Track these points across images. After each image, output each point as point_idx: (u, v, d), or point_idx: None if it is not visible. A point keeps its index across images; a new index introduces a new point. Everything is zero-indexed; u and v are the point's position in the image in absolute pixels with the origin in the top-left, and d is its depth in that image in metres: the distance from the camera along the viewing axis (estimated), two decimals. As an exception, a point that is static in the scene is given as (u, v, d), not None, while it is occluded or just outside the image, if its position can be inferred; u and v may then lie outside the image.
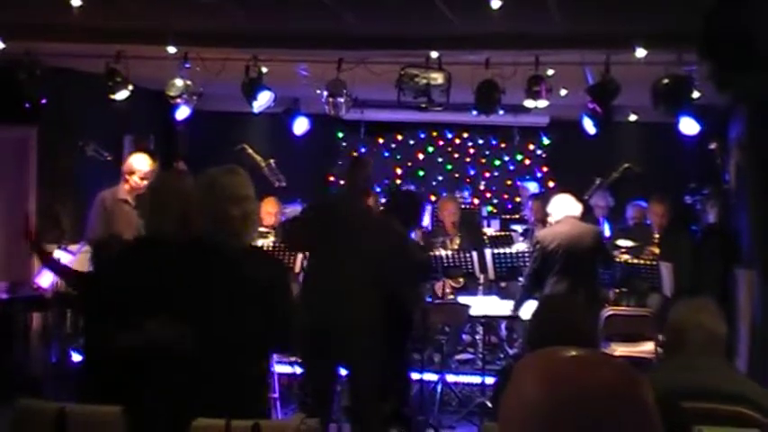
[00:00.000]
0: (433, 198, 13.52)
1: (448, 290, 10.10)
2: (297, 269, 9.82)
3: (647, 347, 8.63)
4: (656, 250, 10.19)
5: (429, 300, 9.00)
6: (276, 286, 4.68)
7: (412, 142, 15.13)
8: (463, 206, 12.27)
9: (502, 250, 9.90)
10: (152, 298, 4.63)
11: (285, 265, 5.61)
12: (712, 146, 11.61)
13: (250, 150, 11.63)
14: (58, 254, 9.29)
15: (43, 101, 10.21)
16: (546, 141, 14.83)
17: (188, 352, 4.48)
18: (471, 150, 15.08)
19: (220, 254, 4.66)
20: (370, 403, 7.10)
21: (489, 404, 7.59)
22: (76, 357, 9.15)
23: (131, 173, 8.81)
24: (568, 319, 4.20)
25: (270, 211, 10.93)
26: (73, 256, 9.83)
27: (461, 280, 10.06)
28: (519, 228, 11.88)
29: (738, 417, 4.17)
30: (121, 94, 9.77)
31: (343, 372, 7.29)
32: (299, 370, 9.52)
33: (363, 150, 15.13)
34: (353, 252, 6.96)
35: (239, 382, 4.59)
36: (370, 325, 6.86)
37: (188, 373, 4.52)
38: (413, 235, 8.38)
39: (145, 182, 8.71)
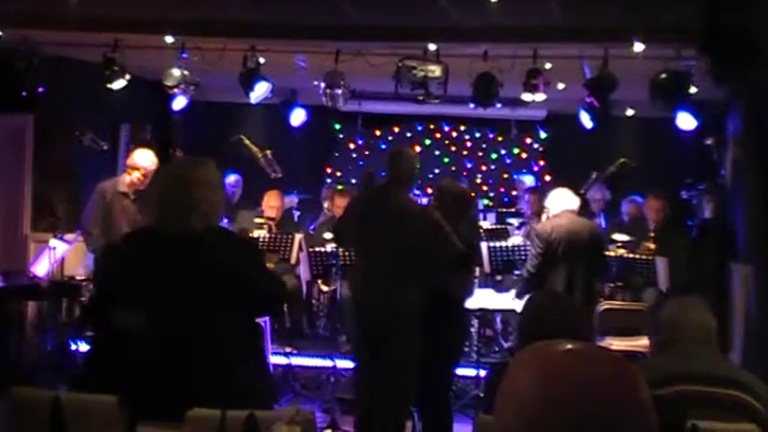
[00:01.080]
0: (429, 191, 13.52)
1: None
2: (293, 260, 9.85)
3: (643, 342, 8.63)
4: (652, 245, 10.20)
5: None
6: (243, 262, 4.71)
7: (409, 134, 15.11)
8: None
9: (498, 243, 9.90)
10: (125, 290, 4.79)
11: (251, 242, 5.65)
12: (709, 141, 11.62)
13: (247, 141, 11.63)
14: (54, 242, 9.31)
15: (40, 89, 10.20)
16: (543, 135, 14.83)
17: (155, 339, 4.57)
18: (468, 143, 15.08)
19: (175, 239, 4.71)
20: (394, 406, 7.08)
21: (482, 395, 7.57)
22: (72, 346, 9.17)
23: (134, 168, 8.85)
24: (559, 314, 4.22)
25: (273, 204, 10.94)
26: (68, 245, 9.86)
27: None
28: (515, 221, 11.90)
29: (733, 400, 4.19)
30: (118, 84, 9.78)
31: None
32: (294, 360, 9.56)
33: (361, 142, 15.14)
34: (394, 245, 6.95)
35: (223, 366, 4.63)
36: (410, 321, 6.80)
37: (165, 362, 4.58)
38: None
39: (147, 179, 8.76)
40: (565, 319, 4.14)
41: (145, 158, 8.93)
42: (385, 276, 6.90)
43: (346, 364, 8.98)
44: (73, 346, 9.18)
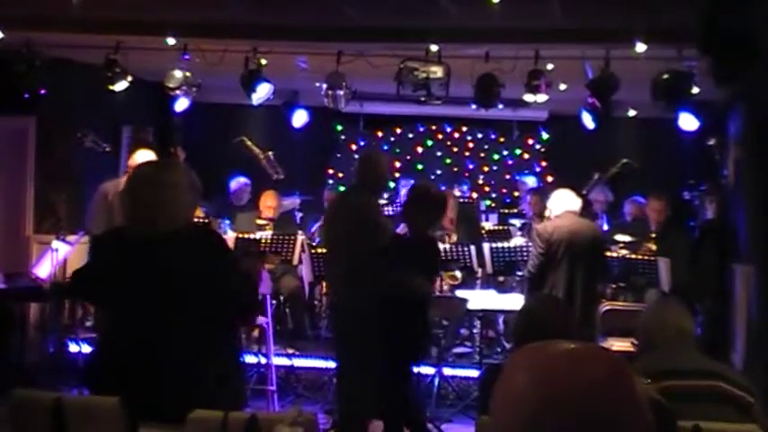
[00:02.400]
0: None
1: (446, 287, 10.08)
2: (295, 261, 9.85)
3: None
4: (653, 246, 10.20)
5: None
6: (211, 264, 4.73)
7: (411, 136, 15.14)
8: (461, 200, 12.28)
9: (500, 244, 9.90)
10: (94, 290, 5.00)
11: (221, 238, 5.67)
12: (711, 142, 11.61)
13: (249, 143, 11.63)
14: (56, 244, 9.33)
15: (42, 91, 10.22)
16: (545, 136, 14.84)
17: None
18: (470, 144, 15.10)
19: (141, 240, 4.74)
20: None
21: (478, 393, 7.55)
22: (74, 348, 9.19)
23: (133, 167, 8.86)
24: (554, 317, 4.25)
25: (270, 204, 10.94)
26: (71, 247, 9.87)
27: (458, 277, 10.02)
28: (517, 222, 11.88)
29: (716, 391, 4.35)
30: (120, 86, 9.79)
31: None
32: (296, 362, 9.56)
33: (362, 144, 15.15)
34: (341, 247, 6.99)
35: (184, 368, 4.65)
36: (358, 326, 6.82)
37: (133, 362, 4.64)
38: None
39: None
40: (559, 322, 4.17)
41: (146, 159, 8.94)
42: (335, 277, 6.95)
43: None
44: (74, 348, 9.19)
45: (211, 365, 4.85)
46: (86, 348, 9.35)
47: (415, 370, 7.56)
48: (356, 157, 14.91)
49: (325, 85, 9.81)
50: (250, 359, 8.84)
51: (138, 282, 4.68)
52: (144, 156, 8.97)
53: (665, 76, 8.73)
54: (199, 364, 4.75)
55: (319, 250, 10.10)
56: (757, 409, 4.39)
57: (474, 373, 9.22)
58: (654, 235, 10.50)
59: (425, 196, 7.40)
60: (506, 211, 13.23)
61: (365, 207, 7.09)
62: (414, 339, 7.12)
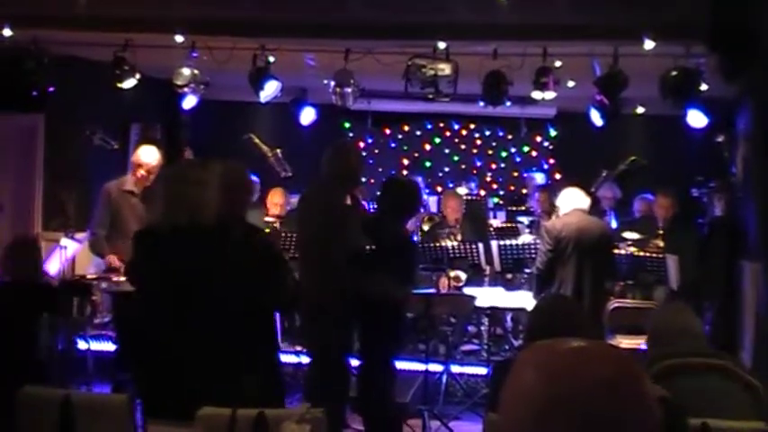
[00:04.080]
0: (439, 189, 13.54)
1: (453, 284, 10.06)
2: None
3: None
4: (661, 243, 10.19)
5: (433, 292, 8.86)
6: (250, 257, 5.04)
7: (419, 133, 15.15)
8: (469, 197, 12.28)
9: (508, 242, 9.91)
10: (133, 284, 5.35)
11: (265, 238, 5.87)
12: (720, 138, 11.60)
13: (257, 140, 11.63)
14: (65, 242, 9.34)
15: (50, 89, 10.22)
16: (553, 133, 14.84)
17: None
18: (478, 141, 15.10)
19: (170, 234, 5.03)
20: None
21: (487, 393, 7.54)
22: (83, 345, 9.20)
23: (139, 165, 8.88)
24: (566, 316, 4.26)
25: (276, 201, 10.96)
26: (79, 244, 9.89)
27: (462, 279, 9.99)
28: (525, 219, 11.89)
29: (723, 367, 4.46)
30: (129, 83, 9.81)
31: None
32: (304, 359, 9.56)
33: (371, 141, 15.16)
34: (308, 241, 6.98)
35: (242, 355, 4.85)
36: (332, 313, 6.75)
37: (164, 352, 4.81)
38: (410, 223, 8.21)
39: (152, 176, 8.78)
40: (570, 320, 4.17)
41: (149, 155, 8.95)
42: (310, 277, 6.88)
43: (356, 362, 8.99)
44: (83, 345, 9.19)
45: (245, 359, 4.96)
46: (95, 346, 9.37)
47: (397, 366, 7.50)
48: (364, 154, 15.00)
49: (333, 83, 9.81)
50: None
51: (165, 273, 4.94)
52: (147, 151, 9.01)
53: (674, 73, 8.72)
54: (228, 356, 4.84)
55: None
56: (765, 393, 4.40)
57: (482, 371, 9.23)
58: (662, 232, 10.49)
59: (396, 188, 7.36)
60: (514, 208, 13.22)
61: (335, 205, 7.02)
62: (387, 338, 7.11)
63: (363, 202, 7.61)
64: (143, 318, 5.24)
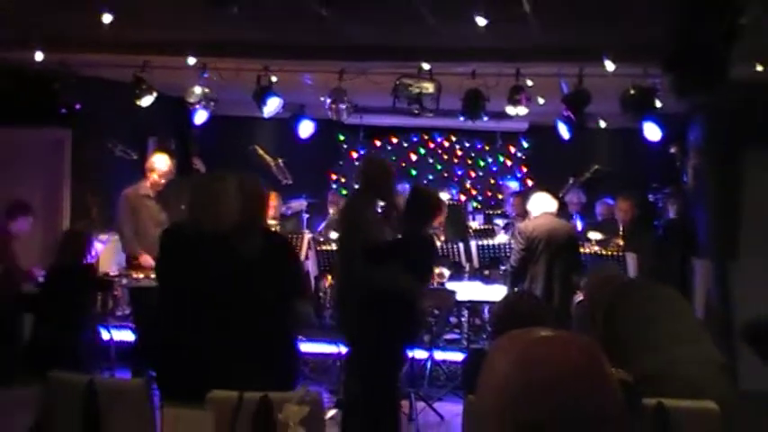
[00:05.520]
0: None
1: (437, 280, 10.05)
2: (302, 258, 9.85)
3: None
4: (621, 242, 10.21)
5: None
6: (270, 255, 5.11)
7: (405, 145, 15.14)
8: (451, 202, 12.27)
9: (485, 242, 9.92)
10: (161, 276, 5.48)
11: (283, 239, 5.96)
12: (673, 149, 11.64)
13: (261, 151, 11.63)
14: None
15: (77, 106, 10.22)
16: (525, 145, 14.85)
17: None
18: (459, 152, 15.10)
19: (201, 234, 5.18)
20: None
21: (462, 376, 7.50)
22: (105, 335, 9.17)
23: (152, 171, 8.93)
24: (527, 308, 4.25)
25: (272, 204, 10.95)
26: (102, 244, 9.88)
27: (445, 275, 9.95)
28: (501, 222, 11.89)
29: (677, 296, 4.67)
30: (146, 101, 9.80)
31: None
32: (303, 347, 9.53)
33: (362, 152, 15.15)
34: (338, 246, 6.98)
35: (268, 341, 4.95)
36: (353, 317, 6.72)
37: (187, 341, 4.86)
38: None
39: (163, 180, 8.83)
40: (532, 313, 4.17)
41: (161, 162, 9.03)
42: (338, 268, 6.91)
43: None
44: (106, 335, 9.17)
45: (259, 346, 4.98)
46: (117, 335, 9.35)
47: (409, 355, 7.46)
48: (356, 163, 15.01)
49: (328, 99, 9.81)
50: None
51: (188, 271, 5.06)
52: (159, 158, 9.07)
53: (632, 91, 8.75)
54: (243, 347, 4.86)
55: (324, 247, 10.11)
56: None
57: (462, 357, 9.22)
58: (622, 233, 10.50)
59: (420, 197, 7.34)
60: (491, 212, 13.22)
61: (350, 209, 6.98)
62: (402, 329, 7.00)
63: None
64: (165, 310, 5.30)
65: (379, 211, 6.91)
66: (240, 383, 4.13)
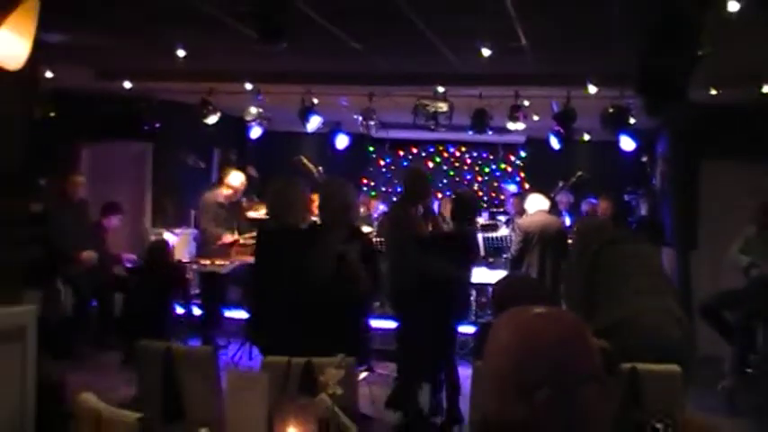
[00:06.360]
0: (439, 195, 13.51)
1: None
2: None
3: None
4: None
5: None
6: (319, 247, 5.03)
7: (423, 154, 15.11)
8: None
9: (490, 234, 9.87)
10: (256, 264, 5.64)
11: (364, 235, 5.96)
12: (644, 158, 11.60)
13: (305, 160, 11.64)
14: (167, 235, 9.40)
15: (157, 125, 10.32)
16: (523, 154, 14.78)
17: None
18: (468, 160, 15.06)
19: (274, 230, 5.45)
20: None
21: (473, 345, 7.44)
22: (179, 310, 9.21)
23: (228, 186, 9.01)
24: (522, 288, 4.23)
25: (316, 203, 10.98)
26: (177, 237, 9.96)
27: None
28: (503, 218, 11.84)
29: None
30: (212, 119, 9.85)
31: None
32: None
33: (388, 160, 15.14)
34: (389, 242, 6.90)
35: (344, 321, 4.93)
36: (402, 302, 6.59)
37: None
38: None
39: (237, 194, 9.07)
40: (526, 291, 4.16)
41: (235, 180, 9.07)
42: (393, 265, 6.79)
43: (379, 323, 8.98)
44: (180, 310, 9.22)
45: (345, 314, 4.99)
46: (196, 311, 9.36)
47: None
48: (383, 170, 15.02)
49: (360, 117, 9.83)
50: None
51: (277, 259, 5.16)
52: (235, 176, 9.11)
53: (611, 110, 8.70)
54: (325, 320, 4.86)
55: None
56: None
57: (471, 330, 9.18)
58: (603, 227, 10.44)
59: (463, 201, 7.31)
60: (494, 210, 13.18)
61: (397, 210, 6.89)
62: (453, 310, 6.82)
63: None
64: (261, 288, 5.45)
65: (420, 211, 6.84)
66: (319, 346, 4.12)
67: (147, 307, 7.65)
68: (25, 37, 3.27)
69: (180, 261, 9.14)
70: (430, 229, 6.73)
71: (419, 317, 6.44)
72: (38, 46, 3.38)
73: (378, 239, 9.72)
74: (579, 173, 11.96)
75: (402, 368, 6.85)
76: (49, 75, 8.58)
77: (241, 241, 8.82)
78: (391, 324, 7.68)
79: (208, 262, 8.78)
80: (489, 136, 10.68)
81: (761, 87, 8.07)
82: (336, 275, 4.89)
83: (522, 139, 13.71)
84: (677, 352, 4.07)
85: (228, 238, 8.85)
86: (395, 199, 8.21)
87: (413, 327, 6.53)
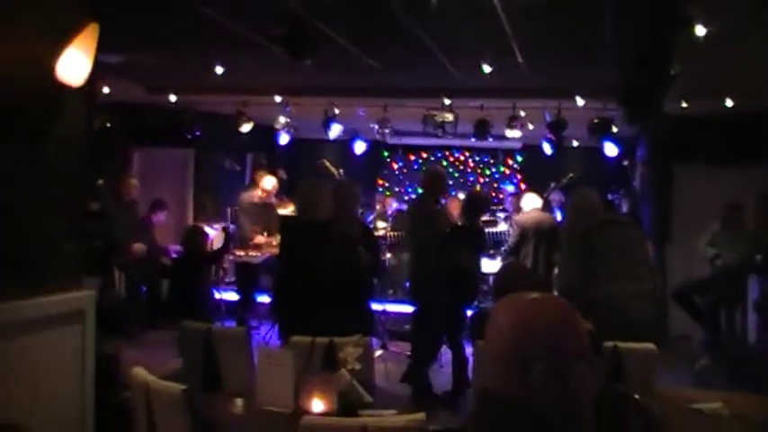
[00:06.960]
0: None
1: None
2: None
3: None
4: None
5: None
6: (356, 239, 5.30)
7: (432, 158, 15.10)
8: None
9: (490, 229, 9.85)
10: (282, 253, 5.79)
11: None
12: (625, 162, 11.54)
13: (327, 164, 11.64)
14: (207, 229, 9.44)
15: (197, 133, 10.34)
16: (519, 158, 14.74)
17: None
18: (471, 164, 15.03)
19: (302, 224, 5.50)
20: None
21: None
22: (217, 295, 9.24)
23: (261, 189, 9.05)
24: (519, 275, 4.24)
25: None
26: (215, 231, 9.99)
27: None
28: (501, 215, 11.80)
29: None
30: (245, 128, 9.87)
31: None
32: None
33: (400, 164, 15.13)
34: (416, 235, 6.84)
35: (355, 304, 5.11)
36: (433, 281, 6.54)
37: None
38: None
39: (270, 196, 9.09)
40: (523, 279, 4.16)
41: (268, 183, 9.12)
42: (413, 253, 6.78)
43: (392, 307, 8.99)
44: (217, 296, 9.26)
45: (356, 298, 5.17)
46: (225, 296, 9.42)
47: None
48: (396, 172, 15.00)
49: (376, 126, 9.82)
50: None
51: (300, 250, 5.34)
52: (268, 180, 9.15)
53: (596, 120, 8.69)
54: (337, 303, 4.93)
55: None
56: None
57: (473, 312, 9.17)
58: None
59: (474, 199, 7.36)
60: (495, 207, 13.14)
61: (419, 207, 6.94)
62: (466, 296, 6.92)
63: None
64: (286, 276, 5.52)
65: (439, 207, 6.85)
66: (335, 327, 4.15)
67: (187, 291, 7.68)
68: (87, 57, 3.31)
69: (217, 252, 9.19)
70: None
71: (438, 303, 6.47)
72: (97, 65, 3.41)
73: (394, 233, 9.74)
74: (571, 174, 11.90)
75: (415, 347, 6.87)
76: (105, 90, 8.65)
77: (274, 243, 8.81)
78: (403, 308, 7.68)
79: (242, 253, 8.81)
80: (490, 142, 10.67)
81: (724, 101, 8.09)
82: (344, 253, 5.13)
83: (518, 145, 13.68)
84: (647, 328, 4.12)
85: (261, 239, 8.87)
86: (413, 196, 8.12)
87: (431, 311, 6.53)
